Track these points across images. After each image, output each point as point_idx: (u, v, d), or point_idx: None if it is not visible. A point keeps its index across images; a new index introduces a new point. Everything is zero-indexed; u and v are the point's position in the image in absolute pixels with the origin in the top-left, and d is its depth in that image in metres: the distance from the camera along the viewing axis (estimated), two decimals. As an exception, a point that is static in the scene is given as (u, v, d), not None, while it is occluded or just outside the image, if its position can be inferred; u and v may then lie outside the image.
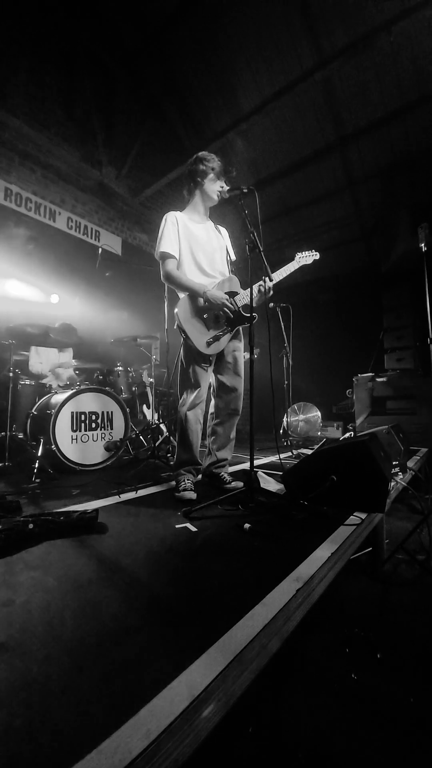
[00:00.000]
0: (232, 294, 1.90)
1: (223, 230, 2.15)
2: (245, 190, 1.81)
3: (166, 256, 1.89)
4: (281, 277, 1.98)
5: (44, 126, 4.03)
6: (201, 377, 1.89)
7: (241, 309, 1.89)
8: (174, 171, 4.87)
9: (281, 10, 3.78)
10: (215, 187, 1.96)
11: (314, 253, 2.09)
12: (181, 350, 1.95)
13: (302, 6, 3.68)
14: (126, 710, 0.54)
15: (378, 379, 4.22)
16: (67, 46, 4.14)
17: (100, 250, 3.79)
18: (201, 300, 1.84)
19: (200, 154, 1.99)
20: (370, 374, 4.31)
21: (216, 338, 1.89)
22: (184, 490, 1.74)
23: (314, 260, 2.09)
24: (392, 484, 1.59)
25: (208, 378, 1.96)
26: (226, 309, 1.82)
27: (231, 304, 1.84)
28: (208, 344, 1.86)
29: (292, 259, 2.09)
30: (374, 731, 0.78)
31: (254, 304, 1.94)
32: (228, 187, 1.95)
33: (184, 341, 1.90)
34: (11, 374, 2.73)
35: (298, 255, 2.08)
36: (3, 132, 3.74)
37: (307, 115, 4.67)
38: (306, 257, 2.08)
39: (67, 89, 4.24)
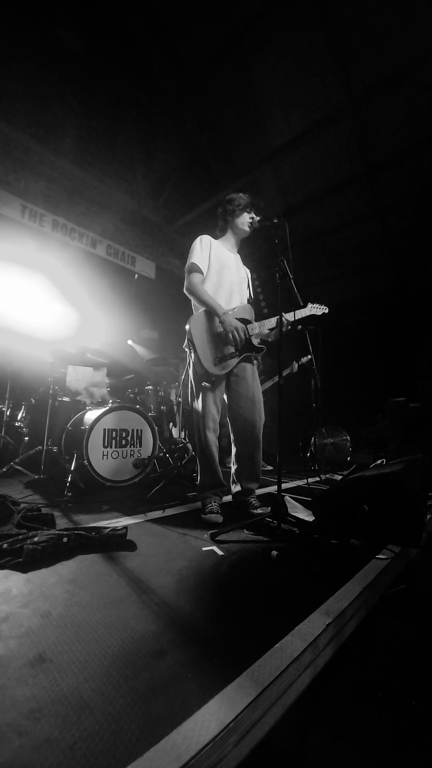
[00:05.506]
0: (245, 321, 1.93)
1: (246, 269, 2.19)
2: (275, 221, 1.88)
3: (194, 269, 1.92)
4: (292, 320, 1.93)
5: (90, 164, 4.42)
6: (209, 397, 1.89)
7: (251, 338, 1.92)
8: (207, 201, 5.14)
9: (312, 52, 4.00)
10: (245, 219, 2.04)
11: (324, 307, 2.04)
12: (190, 370, 1.95)
13: (332, 47, 3.87)
14: (158, 732, 0.55)
15: (411, 404, 4.06)
16: (112, 92, 4.59)
17: (136, 276, 4.01)
18: (217, 320, 1.87)
19: (228, 197, 2.10)
20: (403, 398, 4.16)
21: (223, 359, 1.89)
22: (210, 512, 1.75)
23: (323, 312, 2.03)
24: (428, 516, 1.52)
25: (218, 397, 1.93)
26: (235, 335, 1.81)
27: (243, 333, 1.84)
28: (215, 363, 1.88)
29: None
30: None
31: (270, 338, 2.00)
32: (258, 218, 2.03)
33: (191, 359, 1.91)
34: (50, 391, 2.90)
35: (311, 305, 2.01)
36: (54, 171, 4.15)
37: (337, 146, 4.81)
38: (316, 309, 2.01)
39: (111, 130, 4.66)
